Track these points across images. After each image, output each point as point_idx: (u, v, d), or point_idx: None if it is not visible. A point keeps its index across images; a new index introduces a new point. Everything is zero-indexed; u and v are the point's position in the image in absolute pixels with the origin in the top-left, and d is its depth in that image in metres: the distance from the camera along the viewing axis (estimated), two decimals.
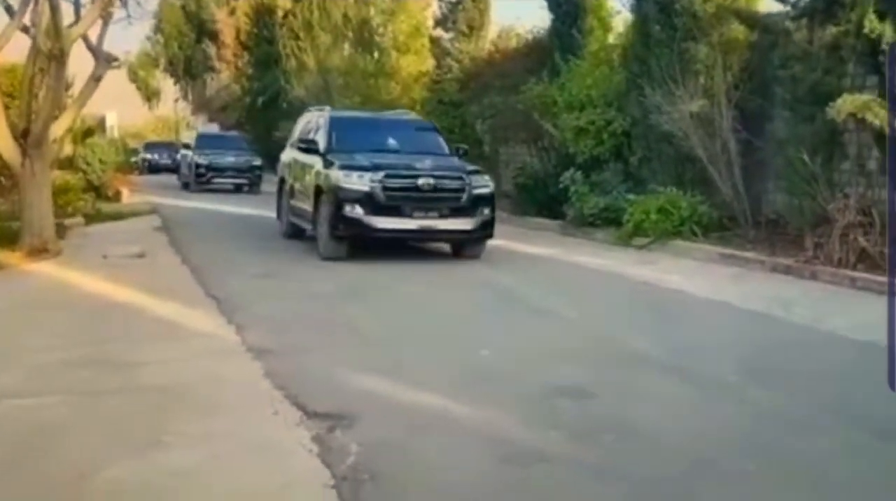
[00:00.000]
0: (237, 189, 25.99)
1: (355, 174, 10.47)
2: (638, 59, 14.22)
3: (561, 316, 7.75)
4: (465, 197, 10.68)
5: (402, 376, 5.52)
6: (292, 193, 12.73)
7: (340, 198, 10.40)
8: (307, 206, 11.57)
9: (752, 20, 12.78)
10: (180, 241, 12.68)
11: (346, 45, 33.36)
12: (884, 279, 7.37)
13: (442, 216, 10.61)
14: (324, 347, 6.35)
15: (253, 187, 25.88)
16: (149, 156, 41.70)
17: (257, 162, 26.76)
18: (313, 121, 12.97)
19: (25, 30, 11.74)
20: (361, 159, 10.81)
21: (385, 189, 10.37)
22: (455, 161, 11.81)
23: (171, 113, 59.50)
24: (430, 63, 26.98)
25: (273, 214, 14.39)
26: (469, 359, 6.02)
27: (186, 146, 26.81)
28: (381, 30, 31.95)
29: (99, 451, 4.15)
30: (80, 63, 13.60)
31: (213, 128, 41.27)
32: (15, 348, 6.21)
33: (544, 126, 16.84)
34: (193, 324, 7.02)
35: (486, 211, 10.88)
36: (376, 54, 31.26)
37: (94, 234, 13.65)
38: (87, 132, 28.68)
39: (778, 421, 4.83)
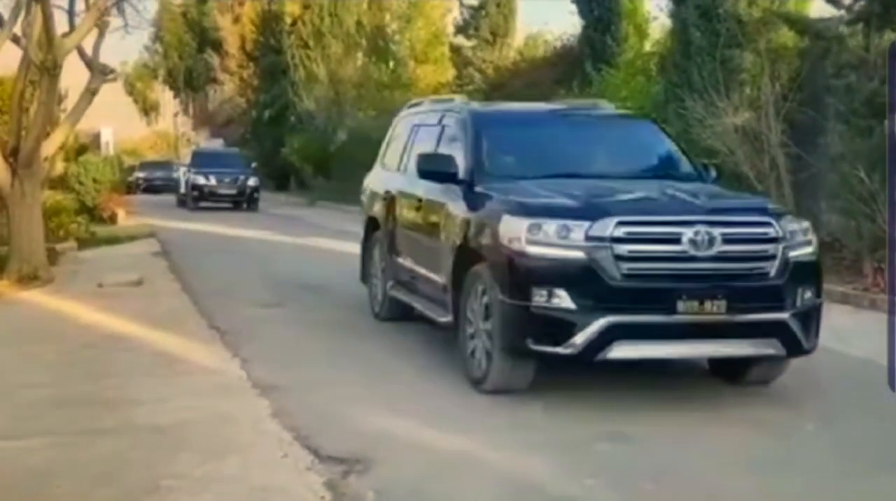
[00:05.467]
0: None
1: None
2: (677, 69, 14.23)
3: None
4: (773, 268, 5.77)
5: (423, 415, 5.50)
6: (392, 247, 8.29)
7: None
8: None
9: (802, 25, 12.75)
10: (180, 267, 12.74)
11: (360, 55, 33.63)
12: None
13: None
14: (336, 382, 6.33)
15: None
16: (200, 178, 28.19)
17: None
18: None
19: (16, 40, 11.90)
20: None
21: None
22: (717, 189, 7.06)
23: (171, 128, 60.12)
24: (450, 73, 27.18)
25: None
26: None
27: None
28: (396, 37, 32.24)
29: (91, 498, 4.14)
30: (73, 75, 13.76)
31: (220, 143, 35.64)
32: (1, 384, 6.22)
33: None
34: (195, 358, 7.03)
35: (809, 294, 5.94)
36: (392, 64, 31.52)
37: (88, 260, 13.74)
38: (81, 149, 29.02)
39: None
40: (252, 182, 28.64)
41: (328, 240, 16.91)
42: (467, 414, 5.59)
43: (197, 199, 27.86)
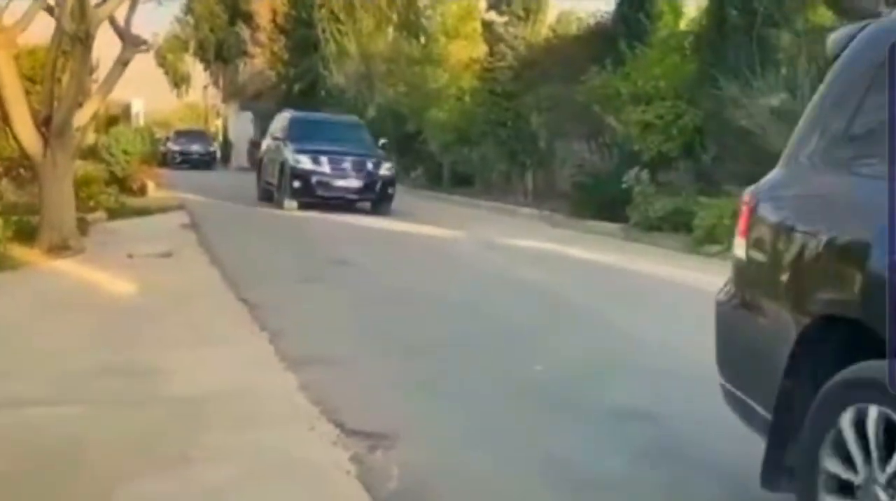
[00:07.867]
0: None
1: None
2: (712, 48, 14.12)
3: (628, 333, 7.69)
4: None
5: (447, 390, 5.52)
6: None
7: None
8: None
9: (841, 5, 12.60)
10: (209, 239, 12.82)
11: (391, 29, 33.56)
12: None
13: None
14: (365, 357, 6.37)
15: None
16: (306, 161, 18.43)
17: None
18: None
19: (49, 10, 11.97)
20: None
21: None
22: None
23: (201, 100, 60.37)
24: (481, 49, 27.05)
25: None
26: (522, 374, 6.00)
27: None
28: (428, 12, 32.13)
29: (123, 465, 4.20)
30: (105, 46, 13.83)
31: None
32: (34, 353, 6.30)
33: (606, 120, 16.77)
34: (223, 330, 7.09)
35: None
36: (423, 39, 31.44)
37: (118, 231, 13.84)
38: (112, 120, 29.25)
39: None
40: (385, 171, 18.85)
41: (357, 216, 16.99)
42: (504, 397, 5.61)
43: (300, 193, 18.30)
